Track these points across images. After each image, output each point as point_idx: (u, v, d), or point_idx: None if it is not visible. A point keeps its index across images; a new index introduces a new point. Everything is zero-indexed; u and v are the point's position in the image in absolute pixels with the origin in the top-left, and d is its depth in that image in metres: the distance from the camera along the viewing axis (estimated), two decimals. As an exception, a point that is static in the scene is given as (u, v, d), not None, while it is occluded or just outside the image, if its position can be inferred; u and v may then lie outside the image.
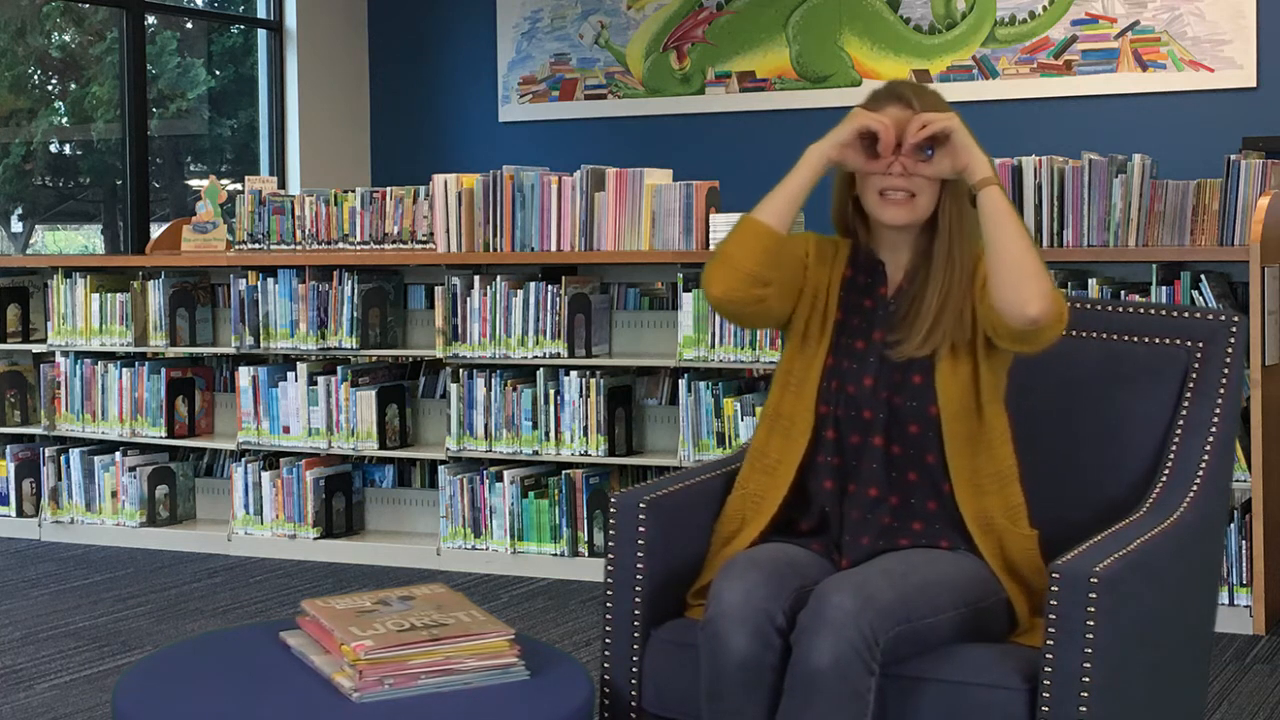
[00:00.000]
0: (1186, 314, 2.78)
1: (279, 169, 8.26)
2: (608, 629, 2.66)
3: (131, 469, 5.69)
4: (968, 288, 2.56)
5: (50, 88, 7.99)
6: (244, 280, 5.51)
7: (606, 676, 2.65)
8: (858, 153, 2.60)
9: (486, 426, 5.17)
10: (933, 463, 2.58)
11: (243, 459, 5.56)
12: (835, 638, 2.28)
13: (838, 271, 2.70)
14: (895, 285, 2.65)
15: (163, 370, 5.66)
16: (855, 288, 2.68)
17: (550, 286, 5.08)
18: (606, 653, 2.66)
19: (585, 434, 5.04)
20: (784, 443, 2.65)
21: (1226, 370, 2.71)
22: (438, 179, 5.34)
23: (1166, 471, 2.65)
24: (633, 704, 2.63)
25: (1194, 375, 2.72)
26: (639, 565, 2.64)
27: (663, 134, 7.81)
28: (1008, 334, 2.50)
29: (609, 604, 2.66)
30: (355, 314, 5.34)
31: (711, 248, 4.93)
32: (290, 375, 5.45)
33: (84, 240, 8.19)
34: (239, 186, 6.28)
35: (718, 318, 4.86)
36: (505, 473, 5.15)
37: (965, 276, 2.56)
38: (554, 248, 5.16)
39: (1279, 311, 4.33)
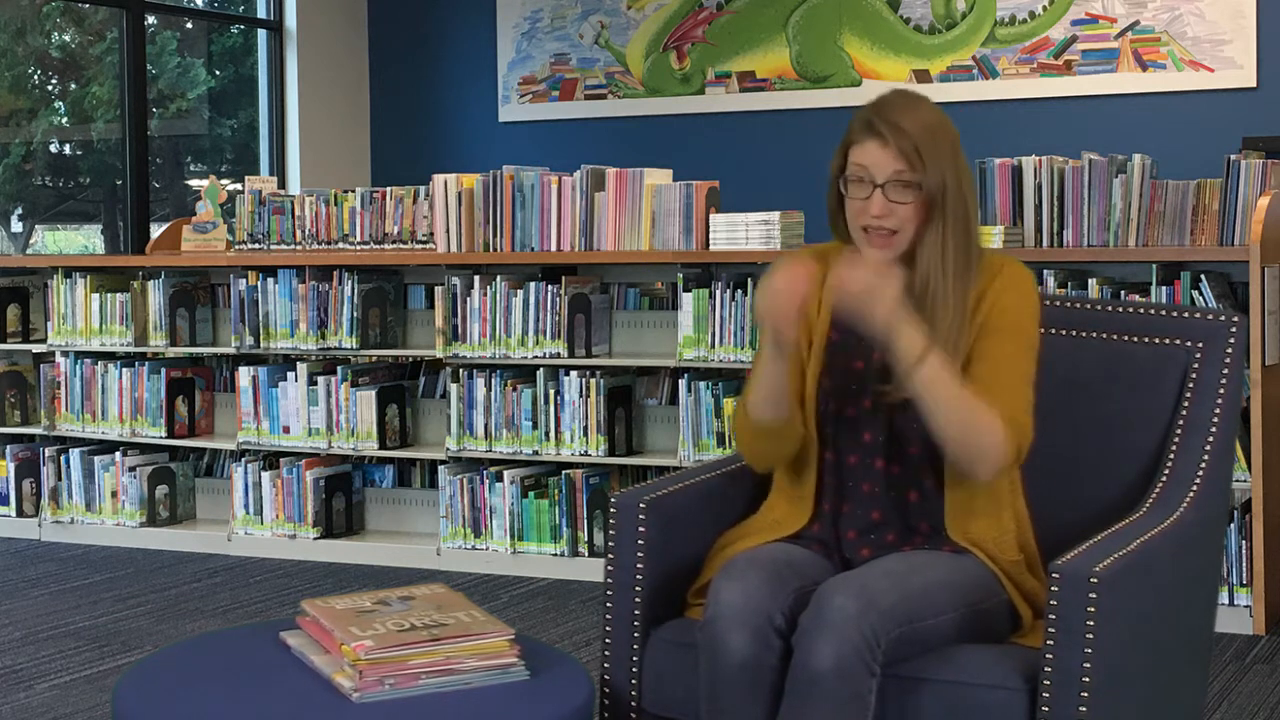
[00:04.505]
0: (1186, 314, 2.78)
1: (279, 169, 8.26)
2: (608, 629, 2.66)
3: (131, 469, 5.69)
4: (960, 318, 2.52)
5: (50, 88, 7.99)
6: (244, 280, 5.51)
7: (606, 676, 2.65)
8: (794, 325, 2.47)
9: (486, 426, 5.17)
10: (931, 485, 2.57)
11: (243, 459, 5.56)
12: (837, 640, 2.27)
13: (829, 290, 2.67)
14: None
15: (163, 370, 5.66)
16: None
17: (550, 286, 5.08)
18: (606, 653, 2.66)
19: (585, 434, 5.04)
20: (797, 474, 2.65)
21: (1226, 370, 2.70)
22: (438, 179, 5.34)
23: (1166, 471, 2.65)
24: (633, 704, 2.63)
25: (1194, 375, 2.71)
26: (639, 565, 2.64)
27: (663, 134, 7.81)
28: None
29: (609, 604, 2.66)
30: (355, 314, 5.34)
31: (711, 248, 4.94)
32: (290, 375, 5.45)
33: (84, 240, 8.19)
34: (239, 186, 6.28)
35: (718, 318, 4.86)
36: (505, 473, 5.15)
37: (956, 308, 2.52)
38: (554, 248, 5.16)
39: (1279, 311, 4.33)
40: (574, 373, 5.07)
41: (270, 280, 5.48)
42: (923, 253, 2.55)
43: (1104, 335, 2.81)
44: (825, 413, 2.62)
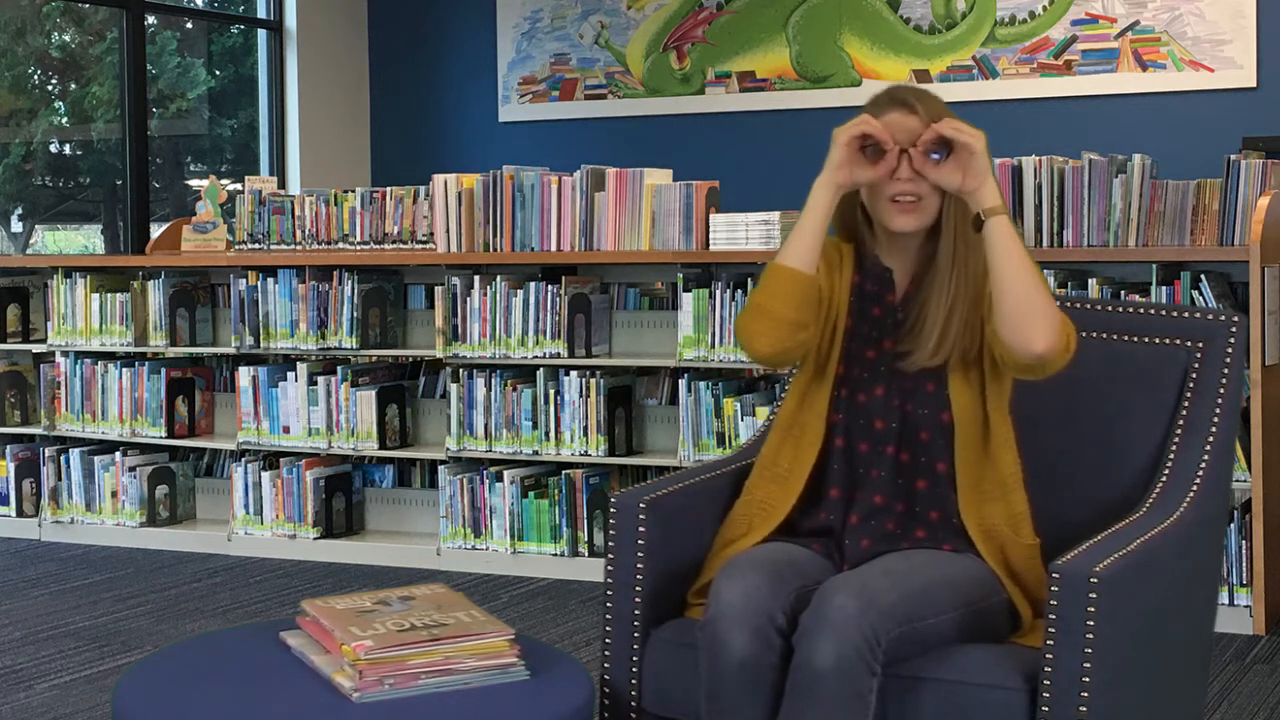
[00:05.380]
0: (1186, 314, 2.78)
1: (279, 169, 8.26)
2: (608, 629, 2.66)
3: (131, 469, 5.69)
4: (976, 297, 2.54)
5: (50, 88, 7.99)
6: (244, 280, 5.51)
7: (606, 676, 2.65)
8: (863, 166, 2.56)
9: (486, 426, 5.17)
10: (943, 471, 2.58)
11: (243, 459, 5.56)
12: (838, 639, 2.28)
13: (845, 277, 2.68)
14: (903, 292, 2.63)
15: (163, 370, 5.66)
16: (864, 295, 2.66)
17: (550, 286, 5.08)
18: (606, 653, 2.66)
19: (585, 434, 5.04)
20: (795, 452, 2.65)
21: (1226, 370, 2.71)
22: (438, 179, 5.34)
23: (1166, 471, 2.65)
24: (633, 704, 2.63)
25: (1194, 375, 2.71)
26: (639, 565, 2.64)
27: (663, 134, 7.81)
28: (1013, 365, 2.51)
29: (609, 604, 2.66)
30: (355, 314, 5.34)
31: (711, 248, 4.93)
32: (290, 375, 5.45)
33: (84, 240, 8.19)
34: (239, 186, 6.28)
35: (718, 318, 4.86)
36: (505, 473, 5.15)
37: (973, 285, 2.54)
38: (554, 248, 5.16)
39: (1279, 311, 4.33)
40: (574, 373, 5.07)
41: (270, 280, 5.48)
42: (947, 221, 2.58)
43: (1104, 335, 2.82)
44: (837, 399, 2.63)
